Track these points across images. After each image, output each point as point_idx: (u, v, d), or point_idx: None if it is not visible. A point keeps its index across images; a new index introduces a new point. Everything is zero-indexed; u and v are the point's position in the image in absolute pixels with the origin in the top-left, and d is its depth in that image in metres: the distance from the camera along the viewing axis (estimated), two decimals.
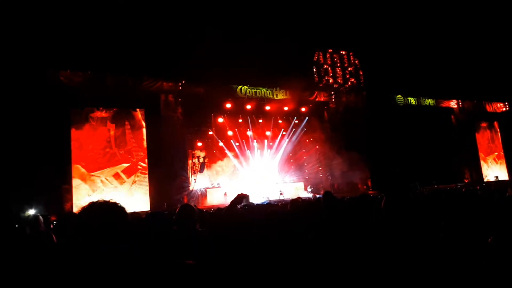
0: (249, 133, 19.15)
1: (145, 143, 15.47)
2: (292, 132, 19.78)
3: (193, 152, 17.47)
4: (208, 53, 15.51)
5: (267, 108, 18.47)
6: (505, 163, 24.07)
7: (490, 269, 2.07)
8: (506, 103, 24.51)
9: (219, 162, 18.74)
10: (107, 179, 14.55)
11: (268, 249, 2.32)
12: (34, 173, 12.03)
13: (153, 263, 1.64)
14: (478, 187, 7.88)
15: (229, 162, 18.88)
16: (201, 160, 17.24)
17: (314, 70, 19.48)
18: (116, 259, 1.55)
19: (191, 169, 17.13)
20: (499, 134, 24.58)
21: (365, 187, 18.73)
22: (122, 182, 14.80)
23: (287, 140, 19.71)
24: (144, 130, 15.53)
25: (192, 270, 1.74)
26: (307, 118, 19.92)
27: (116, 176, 14.74)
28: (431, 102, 22.17)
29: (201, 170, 17.15)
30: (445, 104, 22.87)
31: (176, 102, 16.15)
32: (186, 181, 16.35)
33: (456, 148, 22.08)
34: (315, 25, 19.00)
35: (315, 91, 19.26)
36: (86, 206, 1.67)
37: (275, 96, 18.16)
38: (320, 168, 20.36)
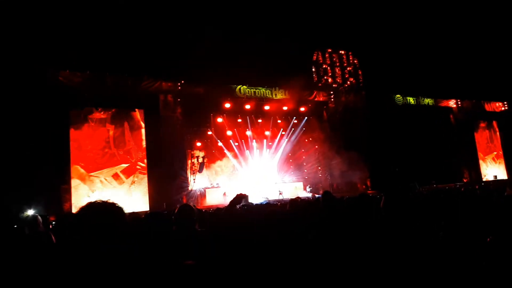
0: (248, 133, 19.14)
1: (144, 143, 15.46)
2: (291, 132, 19.78)
3: (192, 152, 17.46)
4: (207, 53, 15.50)
5: (266, 108, 18.46)
6: (503, 162, 24.12)
7: (490, 268, 2.07)
8: (505, 103, 24.55)
9: (218, 162, 18.74)
10: (106, 180, 14.54)
11: (267, 249, 2.32)
12: (33, 173, 12.02)
13: (152, 263, 1.65)
14: (477, 187, 7.91)
15: (228, 162, 18.89)
16: (200, 160, 17.24)
17: (313, 69, 19.50)
18: (116, 259, 1.55)
19: (190, 169, 17.13)
20: (498, 133, 24.63)
21: (364, 186, 18.75)
22: (121, 182, 14.79)
23: (286, 140, 19.71)
24: (143, 130, 15.53)
25: (192, 270, 1.74)
26: (306, 118, 19.93)
27: (115, 176, 14.73)
28: (430, 101, 22.20)
29: (200, 170, 17.15)
30: (444, 103, 22.90)
31: (175, 102, 16.14)
32: (185, 181, 16.34)
33: (455, 148, 22.11)
34: (314, 25, 19.01)
35: (314, 91, 19.26)
36: (84, 206, 1.68)
37: (274, 96, 18.16)
38: (319, 168, 20.37)
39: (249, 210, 3.63)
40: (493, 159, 24.02)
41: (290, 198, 5.79)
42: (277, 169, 19.77)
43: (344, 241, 2.37)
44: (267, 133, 19.59)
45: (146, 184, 15.17)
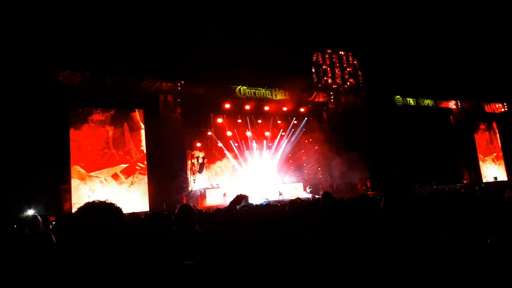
0: (248, 133, 19.14)
1: (143, 144, 15.47)
2: (291, 132, 19.78)
3: (192, 153, 17.46)
4: (207, 53, 15.51)
5: (266, 108, 18.46)
6: (503, 163, 24.12)
7: (490, 269, 2.07)
8: (505, 104, 24.54)
9: (218, 163, 18.74)
10: (106, 180, 14.56)
11: (267, 250, 2.32)
12: (33, 173, 12.02)
13: (152, 263, 1.65)
14: (477, 188, 7.89)
15: (228, 162, 18.88)
16: (200, 160, 17.23)
17: (313, 70, 19.50)
18: (116, 259, 1.55)
19: (190, 170, 17.12)
20: (497, 135, 24.63)
21: (364, 187, 18.74)
22: (121, 182, 14.80)
23: (286, 140, 19.71)
24: (142, 131, 15.54)
25: (192, 270, 1.74)
26: (306, 118, 19.92)
27: (115, 176, 14.74)
28: (430, 102, 22.20)
29: (200, 171, 17.14)
30: (444, 104, 22.90)
31: (175, 103, 16.13)
32: (185, 181, 16.33)
33: (455, 149, 22.11)
34: (314, 26, 19.03)
35: (314, 92, 19.26)
36: (82, 206, 1.68)
37: (274, 97, 18.16)
38: (319, 168, 20.36)
39: (249, 210, 3.62)
40: (493, 160, 24.03)
41: (290, 198, 5.78)
42: (277, 170, 19.76)
43: (344, 242, 2.37)
44: (267, 133, 19.58)
45: (146, 184, 15.18)
